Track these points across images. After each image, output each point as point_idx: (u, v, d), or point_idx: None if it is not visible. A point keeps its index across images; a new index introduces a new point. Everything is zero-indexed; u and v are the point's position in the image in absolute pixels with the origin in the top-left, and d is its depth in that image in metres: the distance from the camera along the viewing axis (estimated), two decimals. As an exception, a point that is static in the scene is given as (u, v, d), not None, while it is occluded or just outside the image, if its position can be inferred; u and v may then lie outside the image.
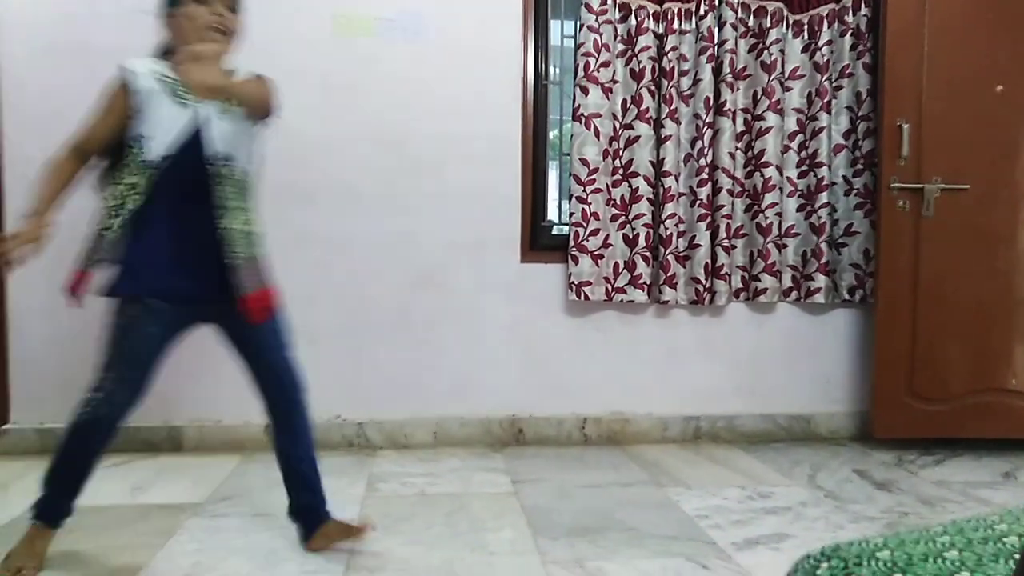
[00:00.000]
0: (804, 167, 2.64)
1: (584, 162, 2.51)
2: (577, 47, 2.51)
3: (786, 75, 2.61)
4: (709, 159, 2.56)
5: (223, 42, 1.52)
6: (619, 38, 2.53)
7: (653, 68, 2.53)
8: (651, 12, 2.52)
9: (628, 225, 2.56)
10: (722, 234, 2.57)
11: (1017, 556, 0.74)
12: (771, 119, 2.58)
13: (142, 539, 1.72)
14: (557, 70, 2.67)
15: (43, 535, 1.57)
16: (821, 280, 2.63)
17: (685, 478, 2.22)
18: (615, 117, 2.54)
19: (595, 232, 2.53)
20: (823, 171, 2.61)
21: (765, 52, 2.58)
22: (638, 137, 2.53)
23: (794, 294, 2.66)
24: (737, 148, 2.59)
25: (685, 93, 2.55)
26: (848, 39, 2.61)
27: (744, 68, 2.60)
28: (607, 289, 2.55)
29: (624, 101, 2.55)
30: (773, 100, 2.58)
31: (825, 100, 2.61)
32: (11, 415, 2.39)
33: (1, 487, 2.08)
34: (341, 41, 2.44)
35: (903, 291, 2.50)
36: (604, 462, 2.38)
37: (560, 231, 2.65)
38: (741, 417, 2.67)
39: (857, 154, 2.65)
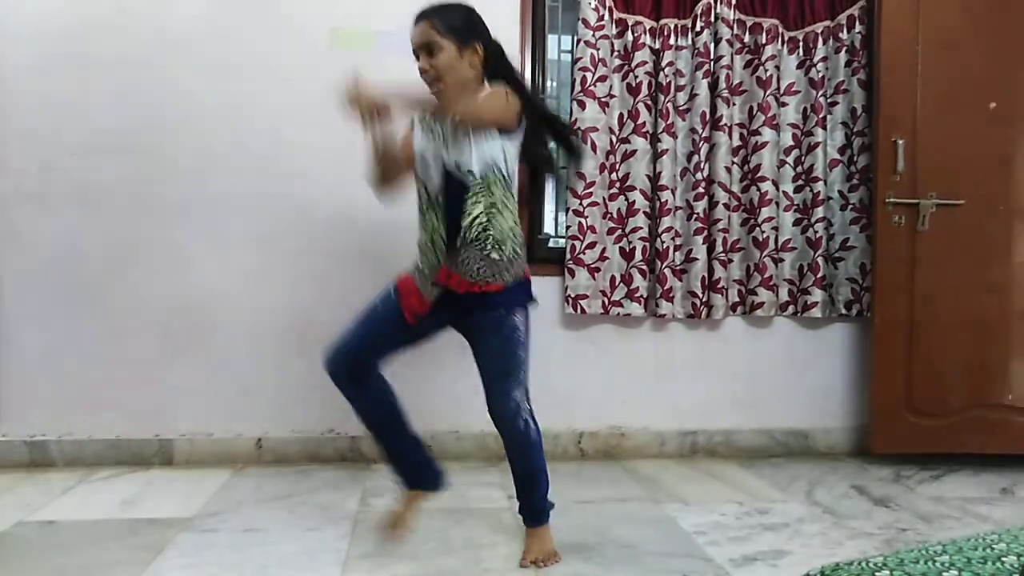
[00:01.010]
0: (800, 182, 2.65)
1: (581, 176, 2.51)
2: (574, 62, 2.53)
3: (782, 91, 2.62)
4: (705, 173, 2.57)
5: (436, 87, 1.61)
6: (616, 53, 2.55)
7: (650, 83, 2.54)
8: (648, 28, 2.54)
9: (625, 238, 2.56)
10: (719, 248, 2.58)
11: (1016, 576, 0.74)
12: (767, 134, 2.59)
13: (132, 554, 1.69)
14: (554, 84, 2.69)
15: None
16: (818, 294, 2.63)
17: (682, 494, 2.20)
18: (612, 131, 2.55)
19: (592, 245, 2.53)
20: (819, 186, 2.62)
21: (761, 68, 2.60)
22: (635, 151, 2.54)
23: (791, 308, 2.66)
24: (733, 162, 2.60)
25: (681, 108, 2.57)
26: (843, 56, 2.63)
27: (740, 84, 2.61)
28: (603, 302, 2.55)
29: (621, 115, 2.56)
30: (769, 115, 2.59)
31: (821, 116, 2.62)
32: (1, 427, 2.36)
33: (-11, 501, 2.05)
34: (339, 54, 2.45)
35: (900, 306, 2.50)
36: (601, 477, 2.36)
37: (557, 244, 2.65)
38: (738, 432, 2.66)
39: (853, 169, 2.66)
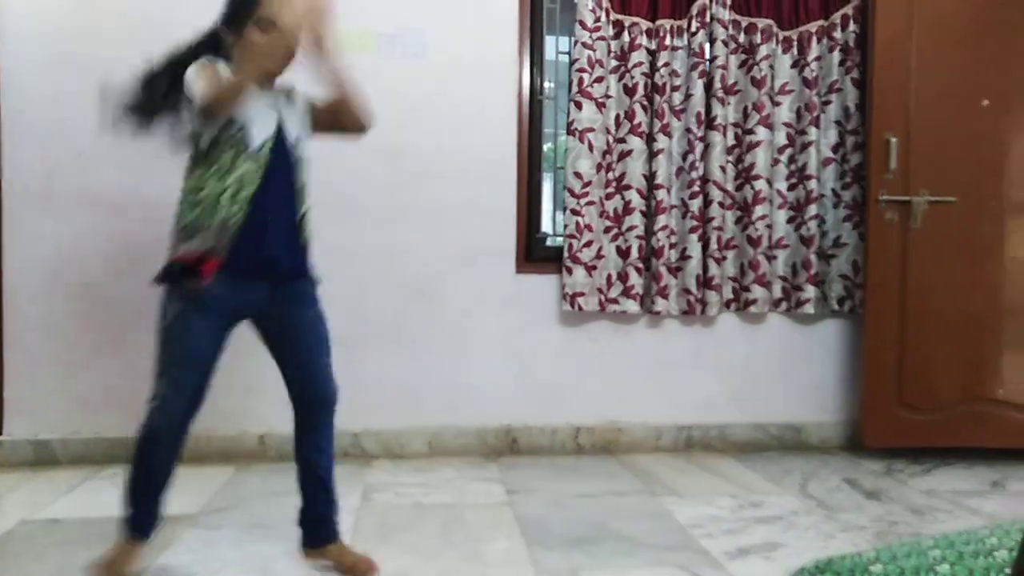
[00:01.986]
0: (793, 180, 2.68)
1: (578, 175, 2.54)
2: (571, 63, 2.55)
3: (776, 90, 2.65)
4: (700, 172, 2.60)
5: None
6: (612, 54, 2.57)
7: (646, 83, 2.56)
8: (644, 29, 2.56)
9: (621, 237, 2.60)
10: (713, 246, 2.61)
11: (1008, 571, 0.76)
12: (761, 133, 2.62)
13: (138, 550, 1.71)
14: (551, 85, 2.71)
15: (132, 548, 1.57)
16: (811, 291, 2.66)
17: (678, 487, 2.24)
18: (608, 131, 2.58)
19: (588, 244, 2.56)
20: (812, 184, 2.65)
21: (755, 68, 2.63)
22: (631, 151, 2.57)
23: (784, 305, 2.70)
24: (728, 161, 2.63)
25: (677, 108, 2.59)
26: (837, 55, 2.66)
27: (735, 83, 2.64)
28: (600, 300, 2.58)
29: (617, 115, 2.58)
30: (763, 115, 2.62)
31: (814, 114, 2.65)
32: (5, 426, 2.38)
33: (-4, 499, 2.07)
34: (340, 55, 2.46)
35: (891, 302, 2.54)
36: (598, 471, 2.40)
37: (554, 243, 2.67)
38: (733, 426, 2.70)
39: (846, 167, 2.69)
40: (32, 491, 2.14)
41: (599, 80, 2.54)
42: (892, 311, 2.53)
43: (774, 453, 2.65)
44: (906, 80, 2.52)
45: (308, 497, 1.68)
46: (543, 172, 2.68)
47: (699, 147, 2.59)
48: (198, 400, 1.60)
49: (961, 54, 2.52)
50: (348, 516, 1.95)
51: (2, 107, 2.36)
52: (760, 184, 2.63)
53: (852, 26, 2.65)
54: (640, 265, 2.59)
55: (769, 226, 2.66)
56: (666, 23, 2.56)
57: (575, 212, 2.54)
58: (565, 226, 2.56)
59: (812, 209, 2.65)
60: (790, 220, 2.68)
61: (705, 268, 2.61)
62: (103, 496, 2.10)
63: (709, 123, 2.59)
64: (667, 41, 2.56)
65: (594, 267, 2.57)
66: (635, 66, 2.55)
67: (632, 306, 2.58)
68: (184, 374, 1.56)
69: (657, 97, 2.56)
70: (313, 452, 1.68)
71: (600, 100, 2.55)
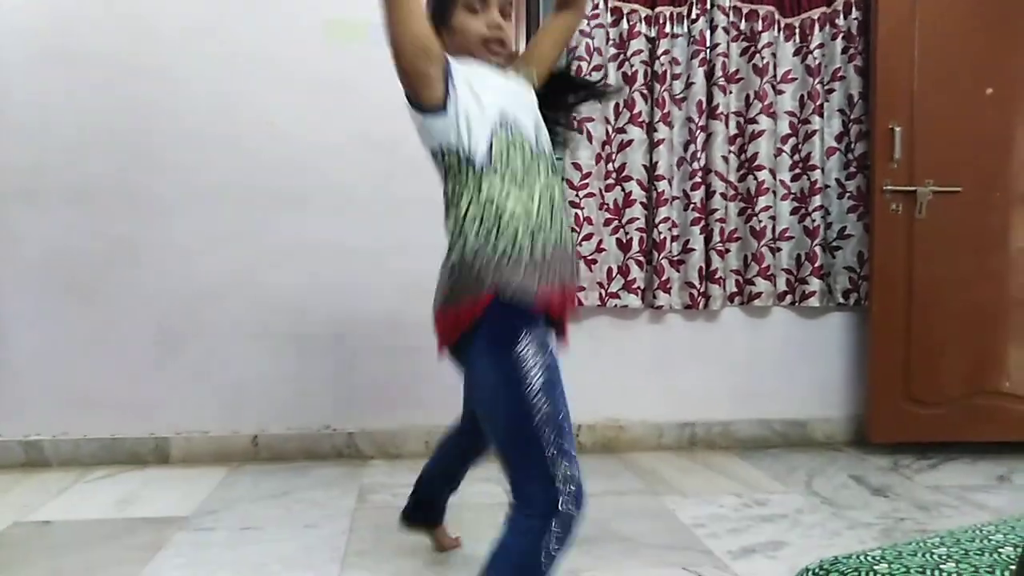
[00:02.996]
0: (797, 170, 2.64)
1: (577, 166, 2.49)
2: (569, 51, 2.50)
3: (778, 78, 2.60)
4: (702, 163, 2.55)
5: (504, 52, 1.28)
6: (611, 42, 2.52)
7: (645, 72, 2.51)
8: (643, 16, 2.51)
9: (621, 229, 2.55)
10: (716, 238, 2.56)
11: (1013, 567, 0.74)
12: (764, 122, 2.57)
13: (128, 554, 1.68)
14: (548, 74, 2.65)
15: None
16: (815, 284, 2.62)
17: (681, 486, 2.20)
18: (608, 121, 2.53)
19: (588, 237, 2.51)
20: (816, 174, 2.60)
21: (757, 55, 2.58)
22: (631, 141, 2.52)
23: (788, 298, 2.65)
24: (730, 151, 2.58)
25: (677, 97, 2.54)
26: (840, 42, 2.61)
27: (736, 72, 2.59)
28: (601, 294, 2.53)
29: (617, 105, 2.53)
30: (765, 103, 2.57)
31: (817, 103, 2.60)
32: (-5, 427, 2.35)
33: (-16, 501, 2.04)
34: (333, 45, 2.42)
35: (897, 294, 2.49)
36: (599, 470, 2.36)
37: (553, 236, 2.63)
38: (736, 423, 2.65)
39: (850, 157, 2.64)
40: (22, 493, 2.10)
41: (597, 68, 2.49)
42: (898, 304, 2.49)
43: (779, 450, 2.61)
44: (910, 68, 2.47)
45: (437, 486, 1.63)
46: (541, 164, 2.63)
47: (700, 137, 2.54)
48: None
49: (965, 42, 2.47)
50: (344, 518, 1.92)
51: (-13, 102, 2.31)
52: (763, 174, 2.58)
53: (855, 13, 2.60)
54: (641, 258, 2.54)
55: (773, 217, 2.61)
56: (666, 10, 2.51)
57: (574, 204, 2.49)
58: (564, 219, 2.52)
59: (816, 200, 2.61)
60: (794, 211, 2.64)
61: (708, 261, 2.57)
62: (94, 497, 2.07)
63: (711, 112, 2.54)
64: (667, 28, 2.51)
65: (594, 261, 2.52)
66: (634, 54, 2.50)
67: (633, 300, 2.53)
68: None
69: (657, 86, 2.51)
70: (471, 450, 1.57)
71: (599, 90, 2.50)
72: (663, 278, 2.52)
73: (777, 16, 2.60)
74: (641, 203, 2.53)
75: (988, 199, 2.50)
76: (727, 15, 2.53)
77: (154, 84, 2.36)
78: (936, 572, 0.76)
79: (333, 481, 2.22)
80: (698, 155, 2.54)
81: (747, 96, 2.60)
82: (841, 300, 2.65)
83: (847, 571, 0.80)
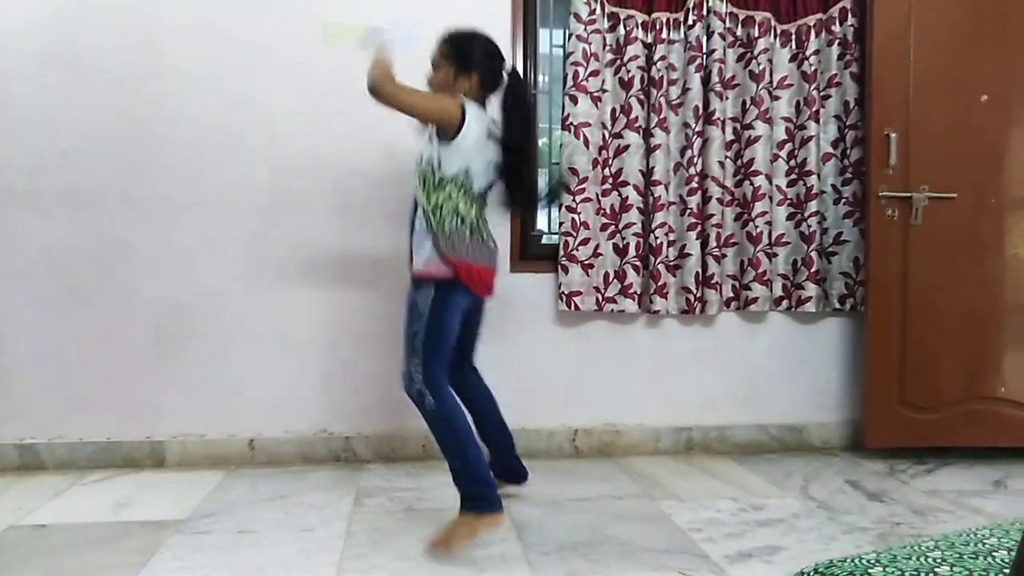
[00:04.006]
0: (793, 176, 2.65)
1: (574, 171, 2.50)
2: (566, 56, 2.51)
3: (774, 84, 2.62)
4: (699, 168, 2.56)
5: None
6: (608, 47, 2.53)
7: (642, 77, 2.53)
8: (640, 22, 2.53)
9: (618, 234, 2.56)
10: (712, 243, 2.57)
11: (1007, 571, 0.74)
12: (760, 128, 2.59)
13: (124, 557, 1.68)
14: (546, 79, 2.67)
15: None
16: (812, 289, 2.62)
17: (677, 490, 2.20)
18: (604, 126, 2.54)
19: (585, 242, 2.52)
20: (812, 180, 2.62)
21: (753, 62, 2.59)
22: (627, 146, 2.53)
23: (785, 303, 2.66)
24: (726, 157, 2.60)
25: (674, 102, 2.56)
26: (835, 49, 2.63)
27: (732, 77, 2.60)
28: (597, 299, 2.54)
29: (613, 110, 2.54)
30: (762, 109, 2.58)
31: (813, 109, 2.62)
32: (-9, 430, 2.34)
33: (-21, 504, 2.03)
34: (331, 50, 2.43)
35: (893, 300, 2.50)
36: (596, 475, 2.36)
37: (550, 240, 2.63)
38: (733, 427, 2.66)
39: (846, 163, 2.66)
40: (18, 496, 2.10)
41: (594, 74, 2.50)
42: (894, 309, 2.50)
43: (775, 455, 2.62)
44: (905, 75, 2.49)
45: None
46: (538, 168, 2.63)
47: (697, 142, 2.55)
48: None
49: (960, 49, 2.49)
50: (340, 521, 1.91)
51: (-14, 104, 2.32)
52: (759, 180, 2.59)
53: (851, 20, 2.61)
54: (638, 263, 2.55)
55: (769, 223, 2.62)
56: (662, 16, 2.52)
57: (571, 209, 2.50)
58: (561, 223, 2.52)
59: (812, 205, 2.62)
60: (790, 217, 2.65)
61: (704, 266, 2.58)
62: (90, 500, 2.07)
63: (707, 118, 2.55)
64: (664, 34, 2.52)
65: (591, 265, 2.53)
66: (631, 60, 2.51)
67: (630, 305, 2.54)
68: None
69: (654, 91, 2.52)
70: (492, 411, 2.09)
71: (596, 94, 2.51)
72: (660, 283, 2.53)
73: (773, 22, 2.61)
74: (638, 208, 2.54)
75: (983, 205, 2.51)
76: (724, 21, 2.55)
77: (154, 86, 2.36)
78: (931, 575, 0.77)
79: (330, 485, 2.22)
80: (695, 160, 2.55)
81: (743, 102, 2.61)
82: (837, 305, 2.66)
83: (842, 574, 0.80)
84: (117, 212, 2.36)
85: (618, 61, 2.53)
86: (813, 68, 2.62)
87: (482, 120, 1.82)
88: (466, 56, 1.86)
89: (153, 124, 2.38)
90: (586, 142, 2.50)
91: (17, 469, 2.32)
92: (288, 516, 1.96)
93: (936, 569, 0.78)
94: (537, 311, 2.58)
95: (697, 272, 2.56)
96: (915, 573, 0.78)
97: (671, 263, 2.57)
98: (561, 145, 2.54)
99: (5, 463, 2.32)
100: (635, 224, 2.54)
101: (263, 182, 2.43)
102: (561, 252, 2.51)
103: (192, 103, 2.38)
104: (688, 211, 2.55)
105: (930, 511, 2.03)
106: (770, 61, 2.60)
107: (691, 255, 2.55)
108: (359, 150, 2.45)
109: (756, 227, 2.60)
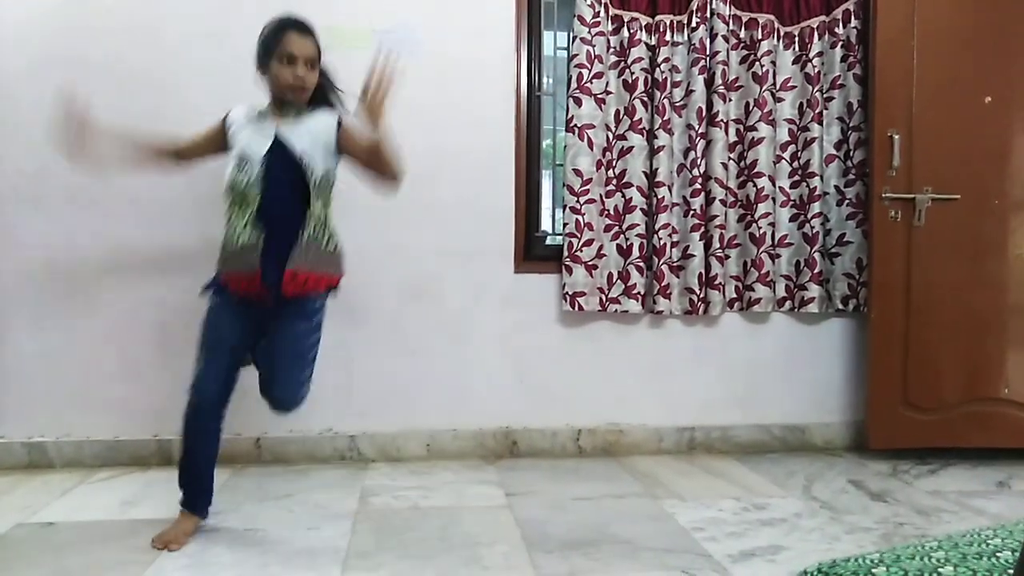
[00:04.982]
0: (796, 177, 2.65)
1: (577, 172, 2.51)
2: (570, 58, 2.52)
3: (778, 86, 2.62)
4: (702, 169, 2.57)
5: (302, 96, 1.87)
6: (612, 49, 2.54)
7: (646, 79, 2.54)
8: (643, 24, 2.54)
9: (622, 235, 2.57)
10: (715, 244, 2.58)
11: (1011, 571, 0.74)
12: (763, 130, 2.59)
13: (132, 555, 1.69)
14: (550, 81, 2.68)
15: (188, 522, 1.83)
16: (815, 290, 2.63)
17: (680, 490, 2.21)
18: (608, 128, 2.55)
19: (589, 242, 2.53)
20: (815, 181, 2.62)
21: (757, 63, 2.60)
22: (631, 148, 2.54)
23: (788, 304, 2.66)
24: (730, 158, 2.60)
25: (678, 104, 2.56)
26: (839, 50, 2.63)
27: (736, 79, 2.61)
28: (601, 299, 2.55)
29: (617, 112, 2.55)
30: (765, 111, 2.59)
31: (816, 111, 2.62)
32: (-1, 429, 2.36)
33: (-12, 502, 2.05)
34: (335, 53, 2.44)
35: (896, 301, 2.51)
36: (598, 474, 2.37)
37: (554, 241, 2.64)
38: (736, 428, 2.66)
39: (849, 164, 2.66)
40: (26, 494, 2.11)
41: (598, 76, 2.52)
42: (897, 310, 2.51)
43: (778, 455, 2.62)
44: (908, 76, 2.49)
45: None
46: (542, 169, 2.65)
47: (700, 144, 2.56)
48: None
49: (963, 50, 2.49)
50: (345, 520, 1.93)
51: (-5, 107, 2.33)
52: (763, 181, 2.60)
53: (854, 21, 2.62)
54: (641, 264, 2.56)
55: (772, 224, 2.63)
56: (666, 18, 2.53)
57: (575, 210, 2.51)
58: (565, 224, 2.53)
59: (815, 207, 2.62)
60: (793, 218, 2.65)
61: (707, 267, 2.58)
62: (98, 498, 2.08)
63: (710, 119, 2.56)
64: (667, 36, 2.53)
65: (595, 266, 2.54)
66: (635, 62, 2.52)
67: (633, 306, 2.55)
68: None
69: (657, 93, 2.53)
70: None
71: (600, 96, 2.52)
72: (663, 284, 2.54)
73: (777, 25, 2.62)
74: (641, 209, 2.55)
75: (986, 206, 2.52)
76: (727, 23, 2.56)
77: (156, 89, 2.38)
78: (934, 575, 0.77)
79: (335, 483, 2.24)
80: (698, 162, 2.55)
81: (747, 104, 2.62)
82: (840, 306, 2.66)
83: (845, 574, 0.81)
84: (121, 214, 2.37)
85: (622, 63, 2.54)
86: (816, 70, 2.62)
87: None
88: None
89: (155, 127, 2.39)
90: (590, 143, 2.51)
91: (25, 467, 2.34)
92: (294, 514, 1.97)
93: (940, 569, 0.78)
94: (541, 311, 2.59)
95: (700, 273, 2.57)
96: (919, 573, 0.78)
97: (674, 264, 2.58)
98: (565, 147, 2.55)
99: (13, 461, 2.34)
100: (639, 225, 2.55)
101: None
102: (565, 253, 2.52)
103: (193, 106, 2.39)
104: (691, 212, 2.56)
105: (933, 512, 2.04)
106: (773, 63, 2.61)
107: (694, 256, 2.56)
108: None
109: (759, 228, 2.60)
